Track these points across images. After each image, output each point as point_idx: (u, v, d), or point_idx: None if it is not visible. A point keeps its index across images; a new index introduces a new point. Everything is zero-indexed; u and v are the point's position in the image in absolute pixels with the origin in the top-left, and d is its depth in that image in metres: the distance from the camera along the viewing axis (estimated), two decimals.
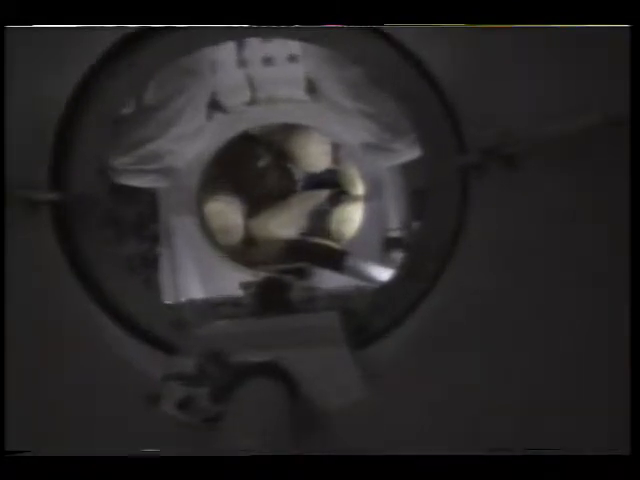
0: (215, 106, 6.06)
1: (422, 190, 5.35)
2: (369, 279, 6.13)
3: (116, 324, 4.06)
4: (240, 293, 4.89)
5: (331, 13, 2.32)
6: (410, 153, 5.51)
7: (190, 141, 5.90)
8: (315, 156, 7.26)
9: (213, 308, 4.60)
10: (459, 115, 3.62)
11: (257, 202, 7.38)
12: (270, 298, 4.55)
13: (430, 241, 4.09)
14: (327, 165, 7.36)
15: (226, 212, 7.12)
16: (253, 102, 6.23)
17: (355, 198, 7.25)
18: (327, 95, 5.79)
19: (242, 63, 5.69)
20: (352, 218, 7.20)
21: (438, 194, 4.04)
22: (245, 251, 7.14)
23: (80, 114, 3.93)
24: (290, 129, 7.00)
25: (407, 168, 6.03)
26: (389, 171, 6.38)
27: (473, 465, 1.85)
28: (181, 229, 6.53)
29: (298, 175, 7.55)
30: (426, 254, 4.10)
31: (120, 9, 2.30)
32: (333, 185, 7.46)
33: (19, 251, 3.03)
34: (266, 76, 5.86)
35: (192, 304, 5.32)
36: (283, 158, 7.37)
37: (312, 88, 5.96)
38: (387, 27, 3.38)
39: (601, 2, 1.94)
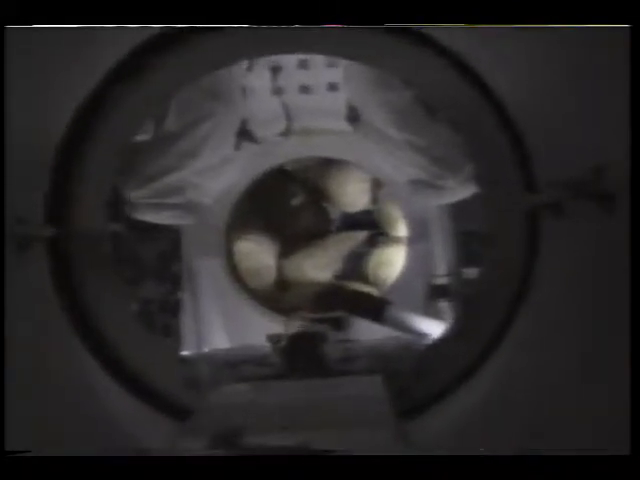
0: (245, 135, 5.38)
1: (475, 233, 5.07)
2: (412, 331, 5.32)
3: (119, 383, 3.51)
4: (267, 348, 4.07)
5: (333, 13, 2.27)
6: (464, 191, 4.83)
7: (216, 174, 5.24)
8: (353, 195, 6.51)
9: (234, 368, 3.77)
10: (529, 146, 3.18)
11: (290, 242, 6.66)
12: (301, 355, 3.82)
13: (490, 293, 3.60)
14: (365, 204, 6.60)
15: (257, 252, 6.39)
16: (288, 133, 5.54)
17: (396, 240, 6.53)
18: (370, 124, 5.11)
19: (277, 91, 5.09)
20: (392, 262, 6.45)
21: (500, 238, 3.59)
22: (277, 295, 6.42)
23: (86, 137, 3.38)
24: (327, 165, 6.39)
25: (458, 208, 5.36)
26: (437, 211, 5.69)
27: (473, 465, 1.80)
28: (206, 271, 5.81)
29: (334, 214, 6.81)
30: (485, 308, 3.59)
31: (122, 9, 2.25)
32: (371, 226, 6.75)
33: (7, 295, 2.50)
34: (303, 105, 5.27)
35: (212, 359, 4.51)
36: (318, 196, 6.67)
37: (354, 116, 5.27)
38: (427, 29, 3.17)
39: (601, 2, 1.94)
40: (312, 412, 2.88)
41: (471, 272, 5.20)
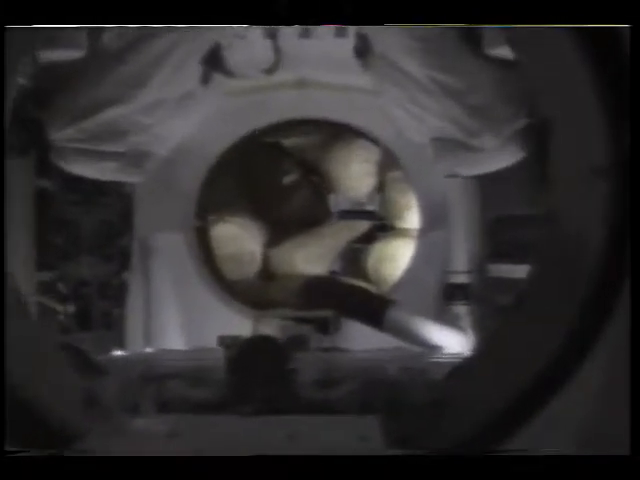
0: (215, 64, 3.92)
1: (513, 217, 3.93)
2: (419, 341, 4.04)
3: None
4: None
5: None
6: (506, 156, 3.55)
7: (173, 113, 3.85)
8: (357, 177, 5.44)
9: (158, 384, 2.53)
10: None
11: (280, 228, 5.65)
12: (258, 371, 2.17)
13: (546, 297, 2.36)
14: (370, 189, 5.52)
15: (241, 238, 5.35)
16: (275, 69, 4.13)
17: (402, 233, 5.43)
18: (385, 56, 3.74)
19: (271, 33, 3.92)
20: (396, 257, 5.31)
21: (567, 218, 2.38)
22: (257, 288, 5.35)
23: None
24: (327, 138, 5.33)
25: (490, 181, 4.01)
26: (460, 189, 4.36)
27: (474, 465, 1.73)
28: (164, 248, 4.46)
29: (333, 199, 5.64)
30: (540, 318, 2.32)
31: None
32: (375, 216, 5.61)
33: None
34: (302, 52, 4.09)
35: (137, 366, 3.07)
36: (315, 176, 5.63)
37: (363, 46, 3.88)
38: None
39: (601, 2, 1.92)
40: None
41: (504, 269, 4.02)
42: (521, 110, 3.28)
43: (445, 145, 3.76)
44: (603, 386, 2.13)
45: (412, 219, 5.23)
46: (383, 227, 5.67)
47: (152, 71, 3.48)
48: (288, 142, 5.52)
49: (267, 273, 5.56)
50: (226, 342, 2.84)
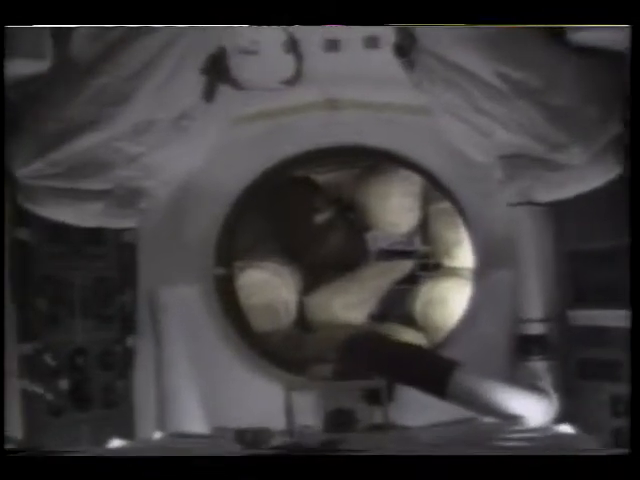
0: (221, 73, 3.08)
1: (600, 251, 3.15)
2: (492, 410, 3.16)
3: None
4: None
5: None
6: (595, 173, 2.70)
7: (169, 139, 3.01)
8: (396, 211, 5.01)
9: None
10: None
11: (315, 272, 5.31)
12: None
13: None
14: (412, 224, 5.15)
15: (273, 285, 4.94)
16: (297, 80, 3.34)
17: (453, 272, 4.98)
18: (433, 51, 2.84)
19: (292, 45, 3.26)
20: (448, 299, 4.83)
21: None
22: (294, 342, 4.90)
23: None
24: (363, 172, 4.99)
25: (569, 206, 3.12)
26: (527, 216, 3.40)
27: (474, 465, 1.72)
28: (178, 307, 3.62)
29: (372, 237, 5.34)
30: None
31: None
32: (419, 254, 5.26)
33: None
34: (329, 68, 3.40)
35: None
36: (351, 212, 5.29)
37: (406, 44, 2.99)
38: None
39: (601, 2, 1.95)
40: None
41: (591, 315, 3.21)
42: (616, 112, 2.46)
43: (518, 163, 2.93)
44: None
45: (464, 256, 4.71)
46: (429, 266, 5.26)
47: (140, 83, 2.68)
48: (319, 175, 5.14)
49: (303, 324, 5.15)
50: (245, 439, 2.04)
